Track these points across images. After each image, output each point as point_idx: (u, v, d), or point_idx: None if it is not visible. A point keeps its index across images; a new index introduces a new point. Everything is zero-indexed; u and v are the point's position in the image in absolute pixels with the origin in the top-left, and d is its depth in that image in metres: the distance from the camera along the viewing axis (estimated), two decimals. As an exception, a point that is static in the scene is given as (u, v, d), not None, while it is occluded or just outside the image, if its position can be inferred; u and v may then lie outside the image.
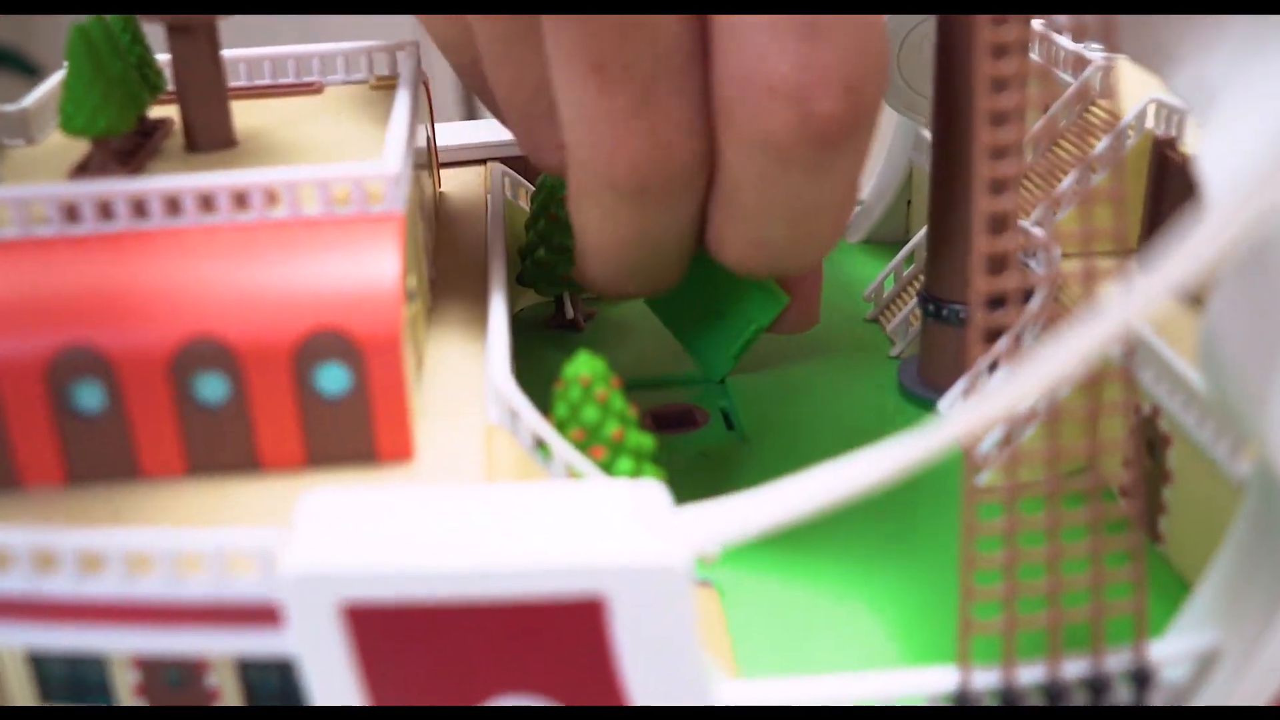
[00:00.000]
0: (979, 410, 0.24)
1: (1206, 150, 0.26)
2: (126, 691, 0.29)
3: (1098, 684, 0.27)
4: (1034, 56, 0.44)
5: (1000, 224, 0.27)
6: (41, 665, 0.30)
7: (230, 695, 0.29)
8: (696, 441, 0.40)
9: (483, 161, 0.48)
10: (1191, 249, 0.21)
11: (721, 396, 0.43)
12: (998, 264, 0.26)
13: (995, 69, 0.26)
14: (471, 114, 1.27)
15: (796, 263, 0.37)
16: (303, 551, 0.25)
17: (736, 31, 0.31)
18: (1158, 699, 0.28)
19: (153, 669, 0.29)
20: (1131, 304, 0.22)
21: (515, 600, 0.24)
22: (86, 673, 0.30)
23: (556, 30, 0.32)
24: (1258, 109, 0.24)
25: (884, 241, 0.52)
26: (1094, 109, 0.41)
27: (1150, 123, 0.40)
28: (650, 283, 0.38)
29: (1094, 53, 0.42)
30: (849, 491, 0.24)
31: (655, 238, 0.36)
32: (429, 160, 0.44)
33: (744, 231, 0.35)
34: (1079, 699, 0.27)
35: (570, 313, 0.47)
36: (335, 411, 0.29)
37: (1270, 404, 0.25)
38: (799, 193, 0.33)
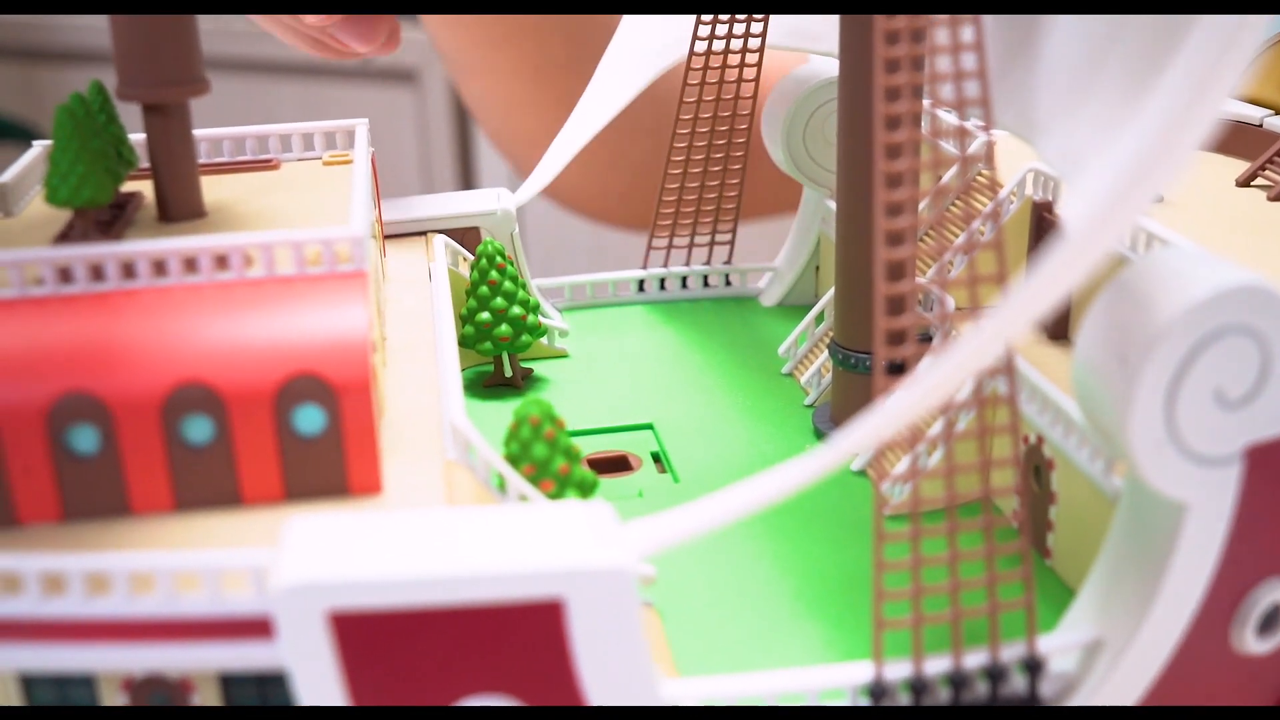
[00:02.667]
0: (860, 431, 0.28)
1: (1068, 205, 0.30)
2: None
3: (995, 673, 0.31)
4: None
5: (897, 271, 0.31)
6: (32, 689, 0.32)
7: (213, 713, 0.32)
8: (633, 483, 0.44)
9: (423, 233, 0.52)
10: (1039, 284, 0.26)
11: (652, 443, 0.46)
12: (896, 305, 0.31)
13: (889, 138, 0.31)
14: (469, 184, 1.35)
15: None
16: (292, 566, 0.28)
17: None
18: (1049, 687, 0.32)
19: (140, 691, 0.32)
20: (992, 331, 0.26)
21: (484, 604, 0.28)
22: (76, 697, 0.32)
23: None
24: (1109, 166, 0.28)
25: (796, 304, 0.57)
26: (982, 173, 0.46)
27: (1029, 189, 0.45)
28: None
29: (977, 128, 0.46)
30: (764, 500, 0.28)
31: None
32: (377, 231, 0.47)
33: None
34: (980, 688, 0.31)
35: (509, 372, 0.50)
36: (311, 449, 0.32)
37: (1129, 425, 0.29)
38: None
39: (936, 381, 0.27)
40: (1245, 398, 0.30)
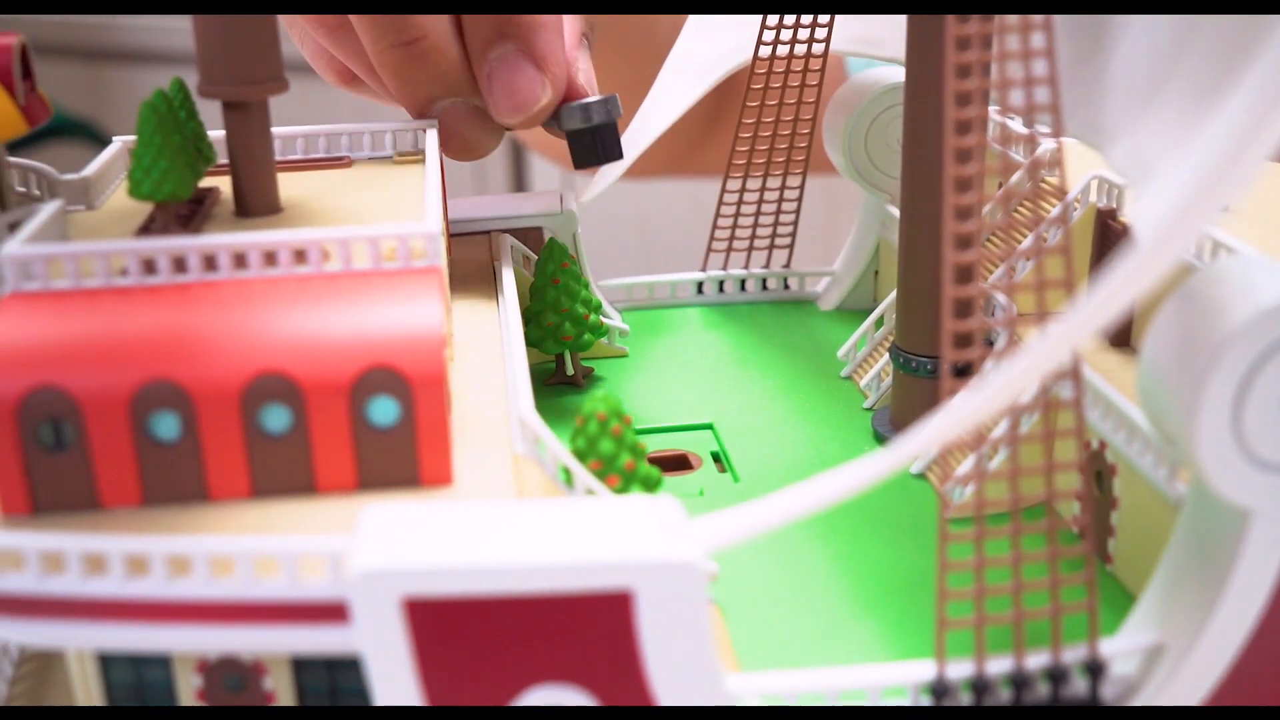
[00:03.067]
0: (925, 433, 0.28)
1: (1138, 212, 0.30)
2: (189, 695, 0.33)
3: (1057, 674, 0.31)
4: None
5: (965, 274, 0.31)
6: (110, 669, 0.33)
7: (284, 696, 0.33)
8: (693, 482, 0.44)
9: (487, 233, 0.53)
10: (1108, 291, 0.26)
11: (711, 443, 0.47)
12: (964, 308, 0.31)
13: (960, 142, 0.31)
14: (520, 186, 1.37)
15: None
16: (368, 553, 0.28)
17: None
18: (1110, 690, 0.32)
19: (213, 673, 0.32)
20: (1059, 337, 0.27)
21: (554, 593, 0.28)
22: (152, 677, 0.33)
23: None
24: (1178, 175, 0.28)
25: (854, 309, 0.57)
26: (1046, 181, 0.46)
27: (1094, 196, 0.45)
28: None
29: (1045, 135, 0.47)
30: (828, 499, 0.29)
31: None
32: (445, 229, 0.48)
33: None
34: (1041, 689, 0.31)
35: (571, 370, 0.51)
36: (385, 440, 0.33)
37: (1195, 430, 0.29)
38: None
39: (1002, 385, 0.28)
40: (1313, 405, 0.30)
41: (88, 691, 0.33)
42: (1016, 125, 0.49)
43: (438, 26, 0.44)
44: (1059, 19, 0.37)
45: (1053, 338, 0.27)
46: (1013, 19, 0.31)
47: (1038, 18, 0.31)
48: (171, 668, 0.33)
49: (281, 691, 0.33)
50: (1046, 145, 0.47)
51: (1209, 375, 0.29)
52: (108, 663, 0.33)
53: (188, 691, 0.33)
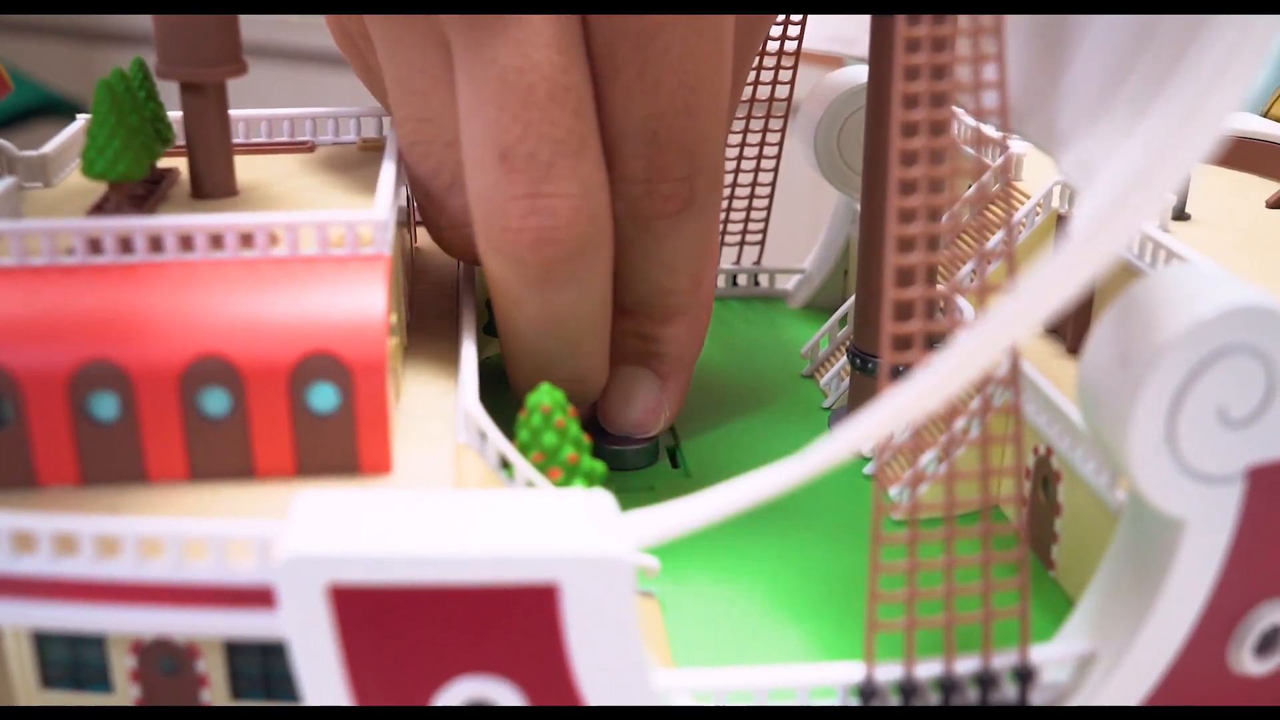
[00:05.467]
0: (856, 428, 0.28)
1: (1077, 213, 0.30)
2: (123, 676, 0.33)
3: (986, 680, 0.31)
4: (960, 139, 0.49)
5: (907, 277, 0.31)
6: (46, 648, 0.33)
7: (217, 679, 0.33)
8: (646, 477, 0.44)
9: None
10: (1038, 286, 0.26)
11: (668, 438, 0.47)
12: (904, 311, 0.31)
13: (905, 144, 0.31)
14: None
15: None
16: (297, 538, 0.28)
17: None
18: (1040, 696, 0.32)
19: (148, 654, 0.32)
20: (990, 332, 0.27)
21: (480, 585, 0.28)
22: (87, 658, 0.33)
23: (468, 120, 0.37)
24: (1111, 173, 0.28)
25: (823, 308, 0.57)
26: (1012, 185, 0.46)
27: (1055, 202, 0.45)
28: (573, 375, 0.42)
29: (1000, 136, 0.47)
30: (762, 495, 0.29)
31: (564, 319, 0.40)
32: (409, 218, 0.48)
33: None
34: (970, 693, 0.31)
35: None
36: (324, 427, 0.33)
37: (1130, 439, 0.29)
38: None
39: (935, 380, 0.27)
40: (1249, 418, 0.30)
41: (23, 671, 0.33)
42: (990, 130, 0.49)
43: None
44: (1021, 23, 0.37)
45: (984, 333, 0.27)
46: (964, 20, 0.31)
47: (988, 20, 0.31)
48: (106, 649, 0.33)
49: (215, 675, 0.33)
50: (1016, 150, 0.47)
51: (1144, 384, 0.29)
52: (43, 642, 0.33)
53: (122, 672, 0.33)
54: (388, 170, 0.39)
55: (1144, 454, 0.29)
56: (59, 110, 1.46)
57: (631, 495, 0.43)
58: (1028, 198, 0.45)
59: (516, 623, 0.29)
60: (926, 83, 0.31)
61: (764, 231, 0.59)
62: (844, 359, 0.48)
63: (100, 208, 0.38)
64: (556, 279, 0.39)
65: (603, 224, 0.39)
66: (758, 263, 0.59)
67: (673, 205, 0.41)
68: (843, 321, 0.51)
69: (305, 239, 0.34)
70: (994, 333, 0.27)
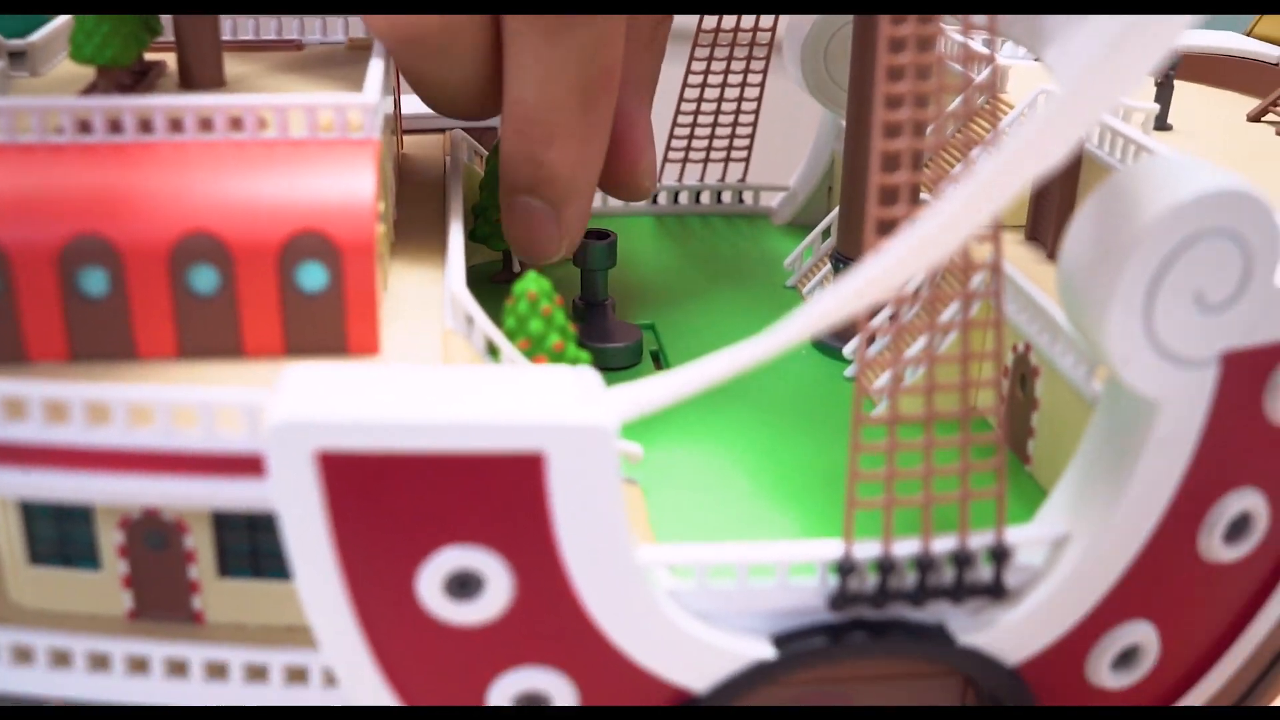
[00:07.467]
0: (828, 302, 0.28)
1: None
2: (111, 552, 0.33)
3: (962, 558, 0.32)
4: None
5: (891, 195, 0.31)
6: (34, 524, 0.33)
7: (205, 555, 0.33)
8: (629, 377, 0.45)
9: (443, 130, 0.53)
10: (1010, 156, 0.26)
11: (651, 341, 0.47)
12: (888, 229, 0.31)
13: (892, 60, 0.31)
14: None
15: None
16: (287, 406, 0.29)
17: None
18: (1015, 577, 0.32)
19: (135, 529, 0.33)
20: (952, 211, 0.27)
21: (467, 452, 0.29)
22: (75, 534, 0.33)
23: None
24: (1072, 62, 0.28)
25: (808, 224, 0.57)
26: (998, 98, 0.46)
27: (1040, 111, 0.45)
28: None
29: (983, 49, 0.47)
30: (737, 367, 0.29)
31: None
32: (396, 124, 0.48)
33: None
34: (947, 573, 0.32)
35: (517, 268, 0.51)
36: (312, 306, 0.33)
37: (1108, 323, 0.30)
38: None
39: (894, 260, 0.28)
40: (1225, 302, 0.30)
41: (11, 547, 0.33)
42: (976, 45, 0.50)
43: None
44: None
45: (945, 213, 0.27)
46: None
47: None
48: (94, 523, 0.33)
49: (203, 551, 0.33)
50: (1002, 62, 0.47)
51: (1123, 268, 0.29)
52: (31, 518, 0.33)
53: (110, 548, 0.33)
54: (378, 60, 0.39)
55: (1122, 337, 0.30)
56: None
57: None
58: (1012, 108, 0.45)
59: (503, 492, 0.29)
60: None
61: (749, 148, 0.59)
62: (827, 268, 0.49)
63: (89, 93, 0.38)
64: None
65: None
66: (743, 180, 0.59)
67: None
68: (826, 234, 0.51)
69: (295, 122, 0.34)
70: (954, 212, 0.27)
